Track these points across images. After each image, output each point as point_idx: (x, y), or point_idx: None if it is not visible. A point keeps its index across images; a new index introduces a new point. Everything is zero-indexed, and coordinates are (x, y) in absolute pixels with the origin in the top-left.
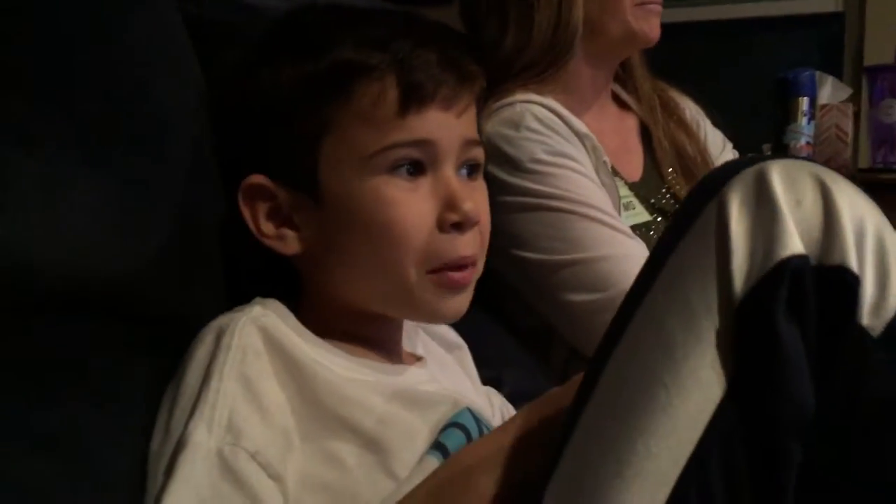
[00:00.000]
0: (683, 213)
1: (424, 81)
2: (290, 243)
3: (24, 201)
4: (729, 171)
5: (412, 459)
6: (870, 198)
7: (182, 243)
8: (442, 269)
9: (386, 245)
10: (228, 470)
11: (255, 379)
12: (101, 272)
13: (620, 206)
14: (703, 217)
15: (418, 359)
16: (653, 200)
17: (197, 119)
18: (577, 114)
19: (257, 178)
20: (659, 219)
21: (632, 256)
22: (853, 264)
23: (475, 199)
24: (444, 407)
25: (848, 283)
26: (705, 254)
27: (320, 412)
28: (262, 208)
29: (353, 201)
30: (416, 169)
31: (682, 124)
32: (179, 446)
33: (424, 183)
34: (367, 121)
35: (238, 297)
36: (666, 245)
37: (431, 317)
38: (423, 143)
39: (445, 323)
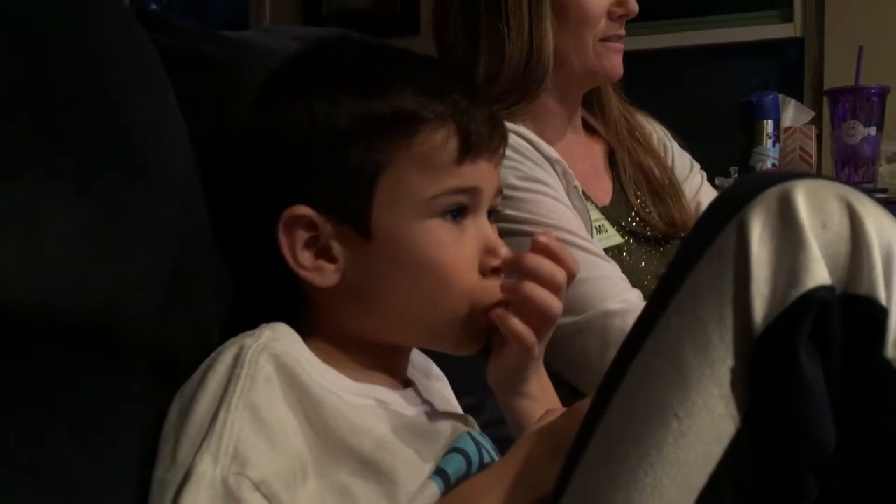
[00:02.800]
0: (700, 232)
1: (479, 135)
2: (328, 276)
3: (4, 234)
4: (750, 190)
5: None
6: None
7: (163, 270)
8: (482, 311)
9: (436, 285)
10: (232, 499)
11: (264, 406)
12: (81, 302)
13: (593, 230)
14: (721, 238)
15: (410, 383)
16: (624, 223)
17: (176, 147)
18: (548, 141)
19: (302, 209)
20: (631, 241)
21: (607, 278)
22: (881, 294)
23: (503, 243)
24: (445, 432)
25: (875, 314)
26: (723, 278)
27: (329, 440)
28: (301, 238)
29: (405, 240)
30: (460, 213)
31: (649, 148)
32: (186, 477)
33: (467, 227)
34: (425, 165)
35: (225, 323)
36: (681, 266)
37: (462, 349)
38: (473, 191)
39: (469, 354)
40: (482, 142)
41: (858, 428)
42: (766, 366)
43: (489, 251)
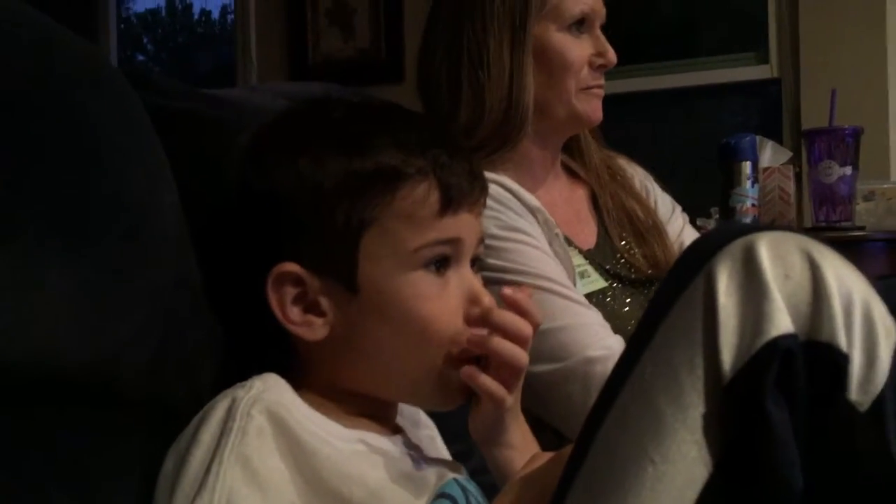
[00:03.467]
0: (671, 283)
1: (460, 187)
2: (316, 330)
3: (1, 294)
4: (716, 242)
5: None
6: (856, 268)
7: (154, 328)
8: (469, 361)
9: (422, 337)
10: None
11: (256, 458)
12: (76, 359)
13: (576, 276)
14: (691, 289)
15: (399, 430)
16: (608, 267)
17: (170, 204)
18: (529, 188)
19: (290, 266)
20: (615, 284)
21: (588, 325)
22: (842, 342)
23: (487, 293)
24: (432, 478)
25: (836, 360)
26: (693, 327)
27: (320, 490)
28: (290, 294)
29: (391, 293)
30: (443, 265)
31: (632, 191)
32: None
33: (451, 278)
34: (408, 219)
35: (219, 375)
36: (654, 315)
37: (449, 405)
38: (455, 242)
39: (454, 407)
40: (462, 194)
41: (827, 470)
42: (734, 412)
43: (473, 301)
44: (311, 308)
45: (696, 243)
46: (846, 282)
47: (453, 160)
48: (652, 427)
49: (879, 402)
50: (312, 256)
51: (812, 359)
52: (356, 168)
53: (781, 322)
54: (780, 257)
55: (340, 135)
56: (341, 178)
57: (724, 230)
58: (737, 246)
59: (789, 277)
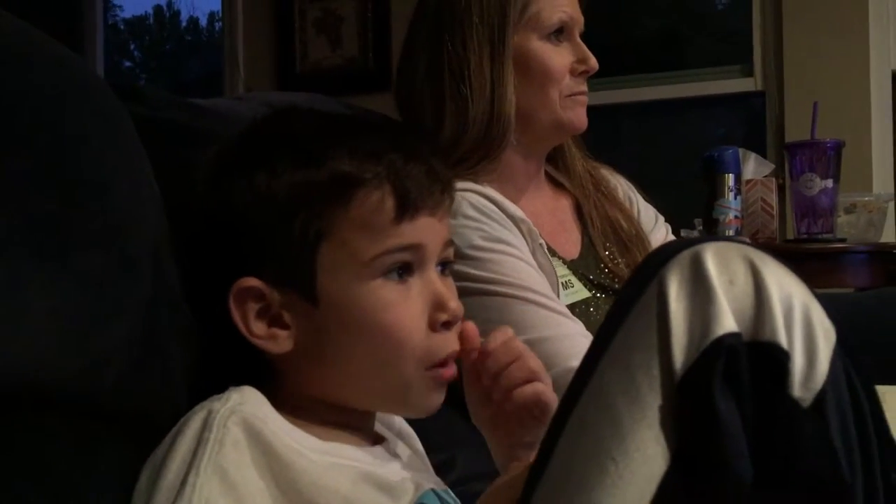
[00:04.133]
0: (627, 292)
1: (417, 191)
2: (281, 343)
3: None
4: (667, 253)
5: None
6: (795, 273)
7: (136, 339)
8: (436, 366)
9: (385, 346)
10: None
11: (233, 470)
12: (53, 373)
13: (559, 286)
14: (644, 297)
15: (379, 439)
16: (592, 277)
17: (152, 217)
18: (513, 199)
19: (250, 281)
20: (599, 295)
21: (571, 336)
22: (783, 340)
23: (454, 296)
24: (410, 489)
25: (778, 358)
26: (648, 332)
27: (297, 501)
28: (252, 309)
29: (351, 304)
30: (405, 271)
31: (615, 201)
32: None
33: (413, 284)
34: (364, 227)
35: (197, 387)
36: (611, 323)
37: (422, 411)
38: (415, 248)
39: (427, 415)
40: (421, 199)
41: (774, 461)
42: (687, 406)
43: (438, 306)
44: (275, 321)
45: (649, 255)
46: (786, 287)
47: (409, 164)
48: (612, 428)
49: (820, 398)
50: (272, 270)
51: (756, 356)
52: (310, 178)
53: (726, 322)
54: (724, 265)
55: (297, 147)
56: (296, 189)
57: (675, 243)
58: (685, 256)
59: (733, 283)
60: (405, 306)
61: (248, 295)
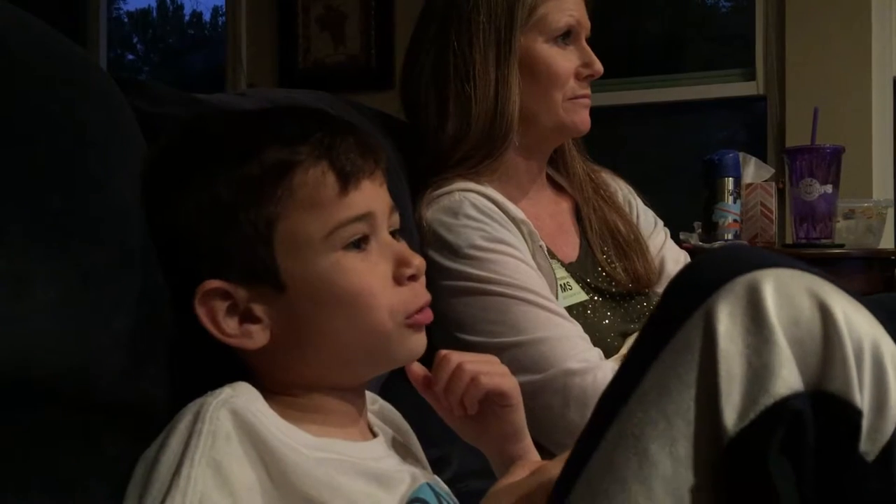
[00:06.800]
0: (663, 318)
1: (352, 162)
2: (256, 337)
3: None
4: (716, 277)
5: None
6: (857, 298)
7: (134, 335)
8: (411, 315)
9: (360, 311)
10: None
11: (226, 463)
12: (53, 366)
13: (558, 288)
14: (686, 328)
15: (374, 434)
16: (589, 280)
17: None
18: (514, 200)
19: (213, 283)
20: (596, 298)
21: (568, 338)
22: (855, 395)
23: (414, 253)
24: (405, 483)
25: (850, 417)
26: (689, 370)
27: (290, 495)
28: (221, 309)
29: (318, 280)
30: (363, 240)
31: (615, 205)
32: None
33: (372, 250)
34: (312, 206)
35: (190, 384)
36: (645, 354)
37: (409, 358)
38: (366, 216)
39: (417, 359)
40: (357, 168)
41: None
42: (736, 468)
43: (401, 262)
44: (247, 317)
45: (691, 274)
46: (856, 328)
47: (337, 138)
48: (641, 474)
49: (887, 451)
50: (232, 269)
51: (822, 413)
52: (246, 174)
53: (789, 376)
54: (787, 300)
55: (223, 148)
56: (235, 187)
57: (723, 261)
58: (739, 284)
59: (798, 324)
60: (370, 270)
61: (213, 296)
